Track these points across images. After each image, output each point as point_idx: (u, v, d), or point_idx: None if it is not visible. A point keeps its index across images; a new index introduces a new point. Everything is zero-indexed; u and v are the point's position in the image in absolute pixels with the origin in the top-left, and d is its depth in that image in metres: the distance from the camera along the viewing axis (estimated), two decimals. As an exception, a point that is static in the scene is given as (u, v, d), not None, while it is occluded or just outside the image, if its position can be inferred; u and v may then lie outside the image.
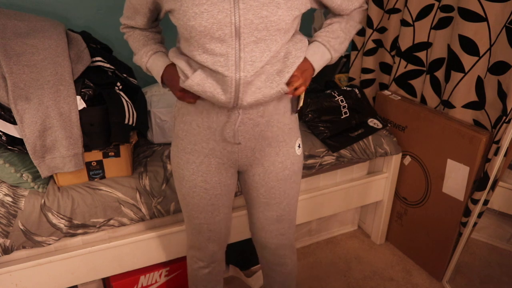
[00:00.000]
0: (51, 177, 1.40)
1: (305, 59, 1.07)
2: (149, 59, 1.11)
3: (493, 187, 1.51)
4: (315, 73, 1.12)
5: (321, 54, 1.10)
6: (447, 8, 1.57)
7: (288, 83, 1.02)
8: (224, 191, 1.18)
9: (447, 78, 1.61)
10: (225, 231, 1.29)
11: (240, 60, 0.95)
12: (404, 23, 1.73)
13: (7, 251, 1.31)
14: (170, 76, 1.07)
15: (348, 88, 1.84)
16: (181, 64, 1.02)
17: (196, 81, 0.98)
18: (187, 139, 1.12)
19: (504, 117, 1.42)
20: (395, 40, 1.83)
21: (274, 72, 1.00)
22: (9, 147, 1.30)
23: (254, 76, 0.97)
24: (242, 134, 1.07)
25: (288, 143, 1.15)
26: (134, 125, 1.40)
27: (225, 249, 1.37)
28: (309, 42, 1.12)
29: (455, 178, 1.63)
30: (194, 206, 1.19)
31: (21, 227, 1.29)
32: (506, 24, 1.40)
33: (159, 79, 1.11)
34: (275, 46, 0.97)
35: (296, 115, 1.19)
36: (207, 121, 1.07)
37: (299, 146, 1.19)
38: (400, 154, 1.84)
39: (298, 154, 1.19)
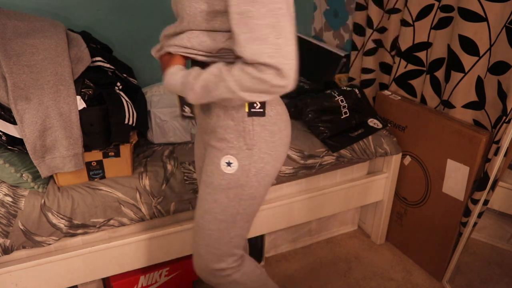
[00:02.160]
0: (51, 177, 1.40)
1: (170, 58, 1.02)
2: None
3: (493, 187, 1.51)
4: (166, 79, 1.00)
5: (177, 77, 0.97)
6: (447, 8, 1.57)
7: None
8: None
9: (447, 78, 1.61)
10: None
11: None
12: (404, 23, 1.73)
13: (7, 251, 1.31)
14: None
15: (348, 88, 1.84)
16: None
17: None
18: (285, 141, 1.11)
19: (504, 117, 1.42)
20: (395, 40, 1.83)
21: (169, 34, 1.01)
22: (9, 147, 1.30)
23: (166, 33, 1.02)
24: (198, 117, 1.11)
25: (215, 153, 1.04)
26: (134, 125, 1.40)
27: None
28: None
29: (455, 178, 1.63)
30: (260, 199, 1.13)
31: (21, 227, 1.29)
32: (506, 24, 1.40)
33: None
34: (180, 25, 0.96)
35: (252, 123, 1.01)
36: None
37: (228, 164, 1.03)
38: (400, 154, 1.84)
39: (222, 170, 1.03)
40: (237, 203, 1.07)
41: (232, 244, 1.12)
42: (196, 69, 0.94)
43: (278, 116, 1.05)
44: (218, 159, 1.04)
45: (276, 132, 1.05)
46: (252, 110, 1.01)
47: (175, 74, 0.98)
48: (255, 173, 1.04)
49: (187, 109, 1.07)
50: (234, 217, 1.08)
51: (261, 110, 1.01)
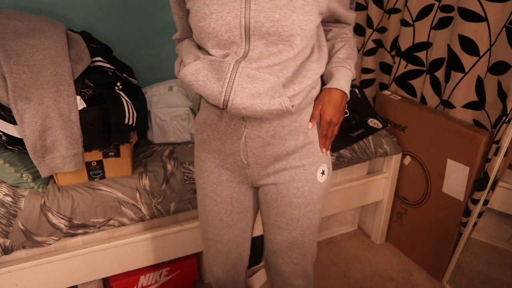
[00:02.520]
0: (51, 177, 1.40)
1: (328, 89, 1.01)
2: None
3: (493, 187, 1.51)
4: (347, 95, 1.04)
5: (343, 75, 1.02)
6: (447, 8, 1.57)
7: (313, 117, 1.01)
8: (237, 208, 1.10)
9: (447, 78, 1.61)
10: (234, 258, 1.17)
11: (246, 54, 0.90)
12: (404, 23, 1.73)
13: (7, 251, 1.31)
14: None
15: (348, 88, 1.84)
16: (186, 55, 0.96)
17: (191, 70, 0.91)
18: (200, 147, 1.08)
19: (504, 117, 1.42)
20: (395, 40, 1.83)
21: (281, 83, 0.90)
22: (9, 147, 1.30)
23: (256, 68, 0.88)
24: (251, 151, 1.00)
25: (307, 169, 1.04)
26: (134, 125, 1.40)
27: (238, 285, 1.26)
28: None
29: (455, 178, 1.63)
30: (203, 217, 1.13)
31: (21, 227, 1.29)
32: (506, 24, 1.40)
33: None
34: (287, 52, 0.90)
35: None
36: (217, 133, 1.02)
37: (322, 173, 1.07)
38: (400, 154, 1.84)
39: (320, 182, 1.06)
40: (324, 204, 1.14)
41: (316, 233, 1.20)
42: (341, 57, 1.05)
43: None
44: (314, 174, 1.05)
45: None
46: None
47: (346, 74, 1.04)
48: (330, 169, 1.12)
49: None
50: (320, 216, 1.16)
51: None
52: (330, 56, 1.06)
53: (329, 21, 1.08)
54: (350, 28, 1.12)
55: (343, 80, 1.01)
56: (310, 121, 1.01)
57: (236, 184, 1.07)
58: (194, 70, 0.91)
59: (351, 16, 1.08)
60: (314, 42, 0.97)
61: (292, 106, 0.91)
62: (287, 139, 0.99)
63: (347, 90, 1.02)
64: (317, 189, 1.06)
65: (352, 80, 1.08)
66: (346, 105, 1.12)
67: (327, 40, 1.09)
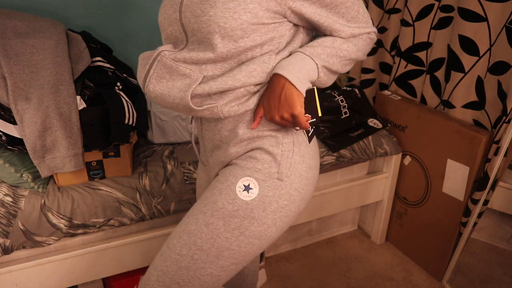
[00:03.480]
0: (51, 177, 1.40)
1: (273, 77, 0.84)
2: None
3: (493, 187, 1.51)
4: (298, 88, 0.81)
5: (297, 62, 0.83)
6: (447, 8, 1.57)
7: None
8: None
9: (447, 78, 1.61)
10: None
11: (183, 49, 0.87)
12: (404, 23, 1.73)
13: (7, 251, 1.31)
14: None
15: (348, 88, 1.84)
16: None
17: (142, 56, 0.92)
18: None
19: (504, 117, 1.42)
20: (395, 40, 1.83)
21: (198, 78, 0.84)
22: (9, 147, 1.30)
23: (172, 59, 0.85)
24: (207, 152, 0.98)
25: (235, 171, 0.88)
26: (134, 125, 1.40)
27: None
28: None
29: (455, 178, 1.63)
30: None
31: (21, 227, 1.29)
32: (506, 24, 1.40)
33: None
34: (209, 53, 0.82)
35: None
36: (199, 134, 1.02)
37: (245, 188, 0.85)
38: (400, 154, 1.84)
39: (236, 195, 0.85)
40: (235, 237, 0.85)
41: (196, 285, 0.86)
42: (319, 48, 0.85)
43: (315, 149, 0.95)
44: (236, 179, 0.86)
45: (312, 167, 0.92)
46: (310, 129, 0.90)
47: (302, 61, 0.84)
48: (275, 209, 0.86)
49: (308, 115, 0.87)
50: (220, 252, 0.85)
51: (314, 119, 0.88)
52: None
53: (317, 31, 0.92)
54: (357, 38, 0.92)
55: (289, 65, 0.82)
56: (253, 120, 0.87)
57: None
58: (142, 58, 0.91)
59: (341, 29, 0.87)
60: (270, 46, 0.84)
61: (200, 107, 0.84)
62: (229, 144, 0.90)
63: (290, 75, 0.81)
64: (229, 197, 0.85)
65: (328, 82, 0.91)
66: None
67: None
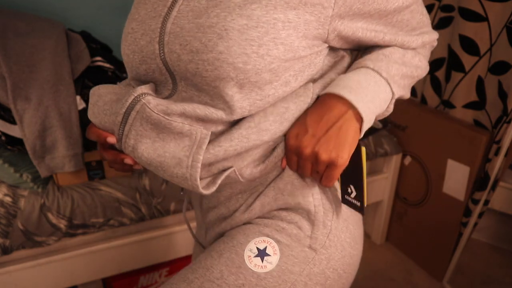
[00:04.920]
0: (51, 177, 1.40)
1: (328, 96, 0.56)
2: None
3: (493, 187, 1.51)
4: (363, 126, 0.56)
5: (369, 86, 0.56)
6: (447, 8, 1.57)
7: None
8: None
9: (448, 78, 1.61)
10: None
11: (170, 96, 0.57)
12: (404, 23, 1.73)
13: (6, 251, 1.31)
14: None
15: (348, 88, 1.84)
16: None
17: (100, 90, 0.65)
18: None
19: (505, 117, 1.42)
20: (396, 40, 1.83)
21: (204, 137, 0.54)
22: (9, 147, 1.29)
23: (162, 111, 0.54)
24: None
25: (245, 230, 0.61)
26: (134, 125, 1.40)
27: None
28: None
29: (456, 178, 1.63)
30: None
31: (21, 227, 1.29)
32: (507, 24, 1.39)
33: None
34: (221, 112, 0.54)
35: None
36: None
37: (259, 253, 0.57)
38: (401, 154, 1.84)
39: (245, 263, 0.56)
40: None
41: None
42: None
43: (359, 215, 0.66)
44: (247, 238, 0.58)
45: (358, 241, 0.63)
46: (346, 197, 0.60)
47: (375, 81, 0.58)
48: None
49: (352, 189, 0.59)
50: None
51: (358, 202, 0.59)
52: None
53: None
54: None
55: (359, 87, 0.55)
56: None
57: None
58: (105, 101, 0.62)
59: (409, 40, 0.62)
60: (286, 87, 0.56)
61: (208, 185, 0.56)
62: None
63: (360, 104, 0.54)
64: (234, 268, 0.57)
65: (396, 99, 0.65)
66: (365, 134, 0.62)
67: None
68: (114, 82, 1.42)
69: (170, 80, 0.56)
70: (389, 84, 0.58)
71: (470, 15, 1.46)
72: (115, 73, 1.49)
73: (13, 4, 1.59)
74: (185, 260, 1.65)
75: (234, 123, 0.56)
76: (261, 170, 0.57)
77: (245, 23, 0.50)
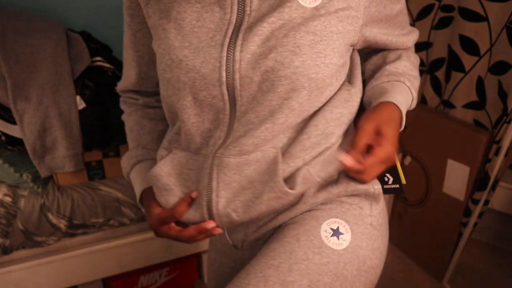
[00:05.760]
0: (51, 177, 1.40)
1: (380, 104, 0.66)
2: (131, 171, 0.80)
3: (493, 187, 1.51)
4: (402, 119, 0.67)
5: (400, 91, 0.68)
6: (447, 8, 1.57)
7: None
8: None
9: (448, 78, 1.61)
10: None
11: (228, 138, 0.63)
12: (404, 23, 1.73)
13: (7, 251, 1.31)
14: (147, 204, 0.75)
15: (349, 88, 1.84)
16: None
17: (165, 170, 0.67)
18: None
19: (505, 117, 1.42)
20: (396, 40, 1.83)
21: (278, 153, 0.61)
22: (9, 147, 1.30)
23: (236, 150, 0.61)
24: None
25: (313, 215, 0.66)
26: (134, 125, 1.40)
27: None
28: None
29: (456, 178, 1.63)
30: None
31: (21, 227, 1.29)
32: (507, 24, 1.39)
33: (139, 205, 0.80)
34: (285, 116, 0.61)
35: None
36: None
37: (334, 233, 0.62)
38: (401, 154, 1.84)
39: (325, 243, 0.61)
40: None
41: None
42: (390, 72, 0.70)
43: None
44: (317, 221, 0.63)
45: (385, 232, 0.70)
46: (385, 186, 0.69)
47: (402, 90, 0.69)
48: (367, 270, 0.63)
49: (388, 177, 0.68)
50: None
51: (397, 185, 0.70)
52: (377, 70, 0.74)
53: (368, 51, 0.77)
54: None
55: (399, 95, 0.67)
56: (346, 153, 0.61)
57: None
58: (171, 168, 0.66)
59: (406, 40, 0.73)
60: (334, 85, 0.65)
61: (291, 189, 0.61)
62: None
63: (402, 107, 0.67)
64: (316, 250, 0.61)
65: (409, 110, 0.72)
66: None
67: (367, 67, 0.77)
68: (114, 83, 1.42)
69: (228, 106, 0.61)
70: (410, 90, 0.70)
71: (470, 15, 1.46)
72: (115, 73, 1.49)
73: (13, 4, 1.59)
74: (185, 260, 1.65)
75: (302, 132, 0.62)
76: (331, 171, 0.65)
77: (312, 38, 0.58)
